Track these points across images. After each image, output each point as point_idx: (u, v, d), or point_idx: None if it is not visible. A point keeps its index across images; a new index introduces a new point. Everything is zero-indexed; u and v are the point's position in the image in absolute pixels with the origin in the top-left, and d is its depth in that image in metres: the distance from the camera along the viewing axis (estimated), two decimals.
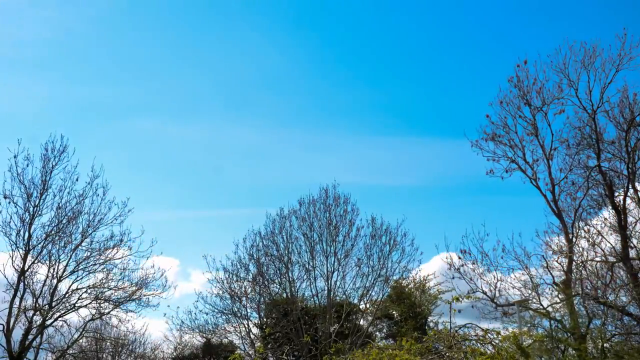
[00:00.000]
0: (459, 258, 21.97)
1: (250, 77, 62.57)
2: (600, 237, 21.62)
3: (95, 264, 21.94)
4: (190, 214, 49.73)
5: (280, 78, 62.86)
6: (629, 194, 20.87)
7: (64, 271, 21.32)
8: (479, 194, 51.73)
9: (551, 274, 21.49)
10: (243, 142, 56.14)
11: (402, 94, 60.04)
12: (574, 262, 21.17)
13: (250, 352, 25.40)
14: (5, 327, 19.73)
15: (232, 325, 26.79)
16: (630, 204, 21.19)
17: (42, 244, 20.88)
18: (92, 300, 22.03)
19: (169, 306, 32.35)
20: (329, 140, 54.99)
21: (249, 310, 26.18)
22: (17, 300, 20.31)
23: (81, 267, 21.66)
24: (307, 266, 25.62)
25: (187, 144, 57.25)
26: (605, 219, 21.96)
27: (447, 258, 22.33)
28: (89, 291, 21.90)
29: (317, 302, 26.05)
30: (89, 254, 21.70)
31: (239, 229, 49.43)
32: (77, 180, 21.44)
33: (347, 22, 62.11)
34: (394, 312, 29.88)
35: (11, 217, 20.40)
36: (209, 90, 62.72)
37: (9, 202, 20.40)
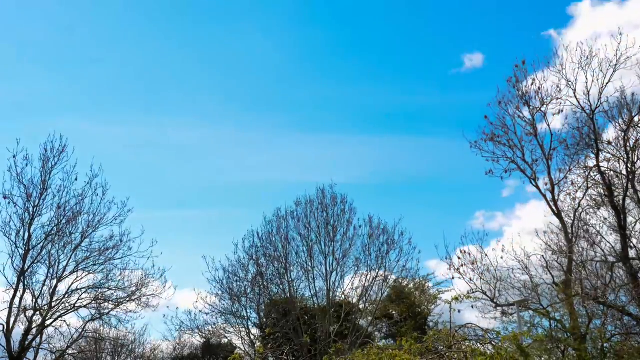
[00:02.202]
0: (459, 258, 22.04)
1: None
2: (600, 237, 21.68)
3: (95, 264, 21.94)
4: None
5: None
6: (628, 193, 20.89)
7: (63, 271, 21.28)
8: (477, 193, 51.50)
9: (551, 274, 21.55)
10: (179, 140, 54.19)
11: (399, 90, 59.53)
12: (574, 262, 21.20)
13: (250, 352, 25.39)
14: (5, 327, 19.67)
15: (232, 326, 26.81)
16: (629, 203, 21.23)
17: (41, 244, 20.78)
18: (92, 301, 22.00)
19: (168, 307, 32.33)
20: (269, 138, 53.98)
21: (248, 311, 26.23)
22: (17, 300, 20.25)
23: (81, 267, 21.62)
24: (305, 266, 25.64)
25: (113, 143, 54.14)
26: (605, 219, 22.01)
27: (446, 258, 22.42)
28: (88, 291, 21.89)
29: (316, 302, 26.07)
30: (88, 254, 21.68)
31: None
32: (76, 179, 21.39)
33: (342, 17, 61.55)
34: (393, 312, 29.91)
35: (11, 217, 20.28)
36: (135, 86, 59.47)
37: (9, 202, 20.35)
